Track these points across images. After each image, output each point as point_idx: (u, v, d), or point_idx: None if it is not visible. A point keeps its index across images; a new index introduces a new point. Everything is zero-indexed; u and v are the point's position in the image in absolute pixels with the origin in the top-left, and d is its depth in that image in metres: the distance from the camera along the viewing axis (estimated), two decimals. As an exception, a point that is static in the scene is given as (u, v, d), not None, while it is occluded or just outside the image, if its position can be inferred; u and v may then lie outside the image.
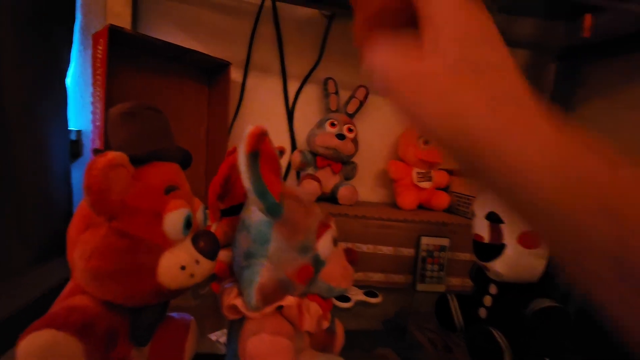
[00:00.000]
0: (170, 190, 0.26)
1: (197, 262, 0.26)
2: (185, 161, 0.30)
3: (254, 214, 0.27)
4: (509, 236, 0.38)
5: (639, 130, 0.67)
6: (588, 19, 0.68)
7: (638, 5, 0.56)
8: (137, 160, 0.25)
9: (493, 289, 0.42)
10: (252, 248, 0.27)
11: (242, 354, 0.26)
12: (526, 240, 0.37)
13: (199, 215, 0.30)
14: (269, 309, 0.27)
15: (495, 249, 0.39)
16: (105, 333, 0.23)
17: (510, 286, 0.40)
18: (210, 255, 0.27)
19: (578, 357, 0.44)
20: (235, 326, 0.29)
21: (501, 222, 0.39)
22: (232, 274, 0.32)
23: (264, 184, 0.24)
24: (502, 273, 0.39)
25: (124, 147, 0.25)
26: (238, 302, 0.27)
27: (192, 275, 0.26)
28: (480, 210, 0.42)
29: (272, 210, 0.26)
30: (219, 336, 0.40)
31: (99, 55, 0.49)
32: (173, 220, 0.25)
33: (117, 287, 0.23)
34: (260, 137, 0.24)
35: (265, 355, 0.25)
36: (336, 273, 0.30)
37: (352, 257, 0.32)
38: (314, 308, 0.29)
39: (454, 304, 0.46)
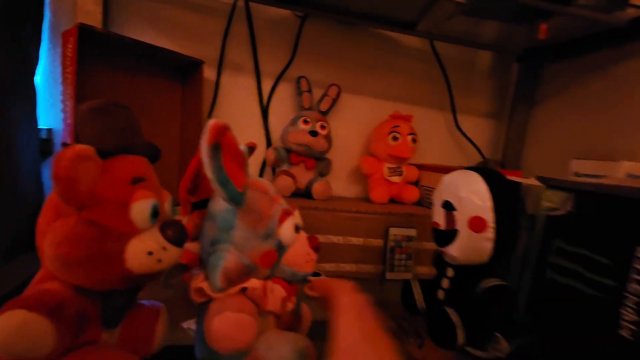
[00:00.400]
0: (137, 181, 0.27)
1: (164, 248, 0.28)
2: (153, 155, 0.31)
3: (219, 204, 0.29)
4: (461, 222, 0.41)
5: (592, 125, 0.72)
6: (543, 24, 0.73)
7: (587, 11, 0.61)
8: (105, 154, 0.27)
9: (450, 272, 0.45)
10: (217, 235, 0.29)
11: (207, 333, 0.27)
12: (474, 225, 0.40)
13: (167, 206, 0.31)
14: (233, 290, 0.28)
15: (450, 234, 0.43)
16: (75, 315, 0.24)
17: (464, 268, 0.44)
18: (177, 242, 0.29)
19: (527, 332, 0.48)
20: (203, 309, 0.31)
21: (454, 209, 0.42)
22: (201, 262, 0.34)
23: (226, 174, 0.26)
24: (456, 256, 0.42)
25: (92, 141, 0.27)
26: (204, 285, 0.29)
27: (159, 261, 0.27)
28: (437, 199, 0.45)
29: (234, 199, 0.27)
30: (190, 324, 0.41)
31: (69, 54, 0.50)
32: (139, 209, 0.27)
33: (86, 272, 0.24)
34: (221, 131, 0.25)
35: (228, 331, 0.26)
36: (299, 259, 0.32)
37: (315, 244, 0.34)
38: (277, 290, 0.31)
39: (416, 289, 0.49)
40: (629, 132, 0.65)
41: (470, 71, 0.90)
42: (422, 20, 0.68)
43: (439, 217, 0.44)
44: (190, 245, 0.46)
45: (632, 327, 0.38)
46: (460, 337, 0.39)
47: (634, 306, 0.38)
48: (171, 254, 0.28)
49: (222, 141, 0.26)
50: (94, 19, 0.58)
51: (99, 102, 0.27)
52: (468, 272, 0.43)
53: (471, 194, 0.41)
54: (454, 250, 0.42)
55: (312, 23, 0.77)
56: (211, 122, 0.25)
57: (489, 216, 0.40)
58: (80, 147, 0.23)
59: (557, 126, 0.81)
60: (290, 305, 0.33)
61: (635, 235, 0.38)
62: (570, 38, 0.71)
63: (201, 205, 0.46)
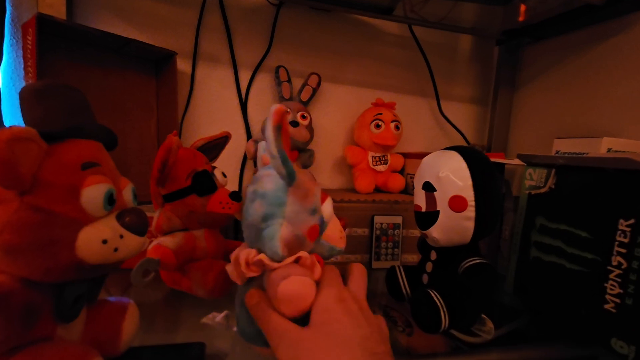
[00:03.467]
0: (88, 166, 0.26)
1: (121, 236, 0.26)
2: (108, 140, 0.29)
3: (269, 183, 0.31)
4: (441, 202, 0.40)
5: (573, 104, 0.72)
6: (520, 4, 0.72)
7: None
8: (52, 137, 0.25)
9: (433, 255, 0.44)
10: (269, 211, 0.30)
11: (274, 297, 0.29)
12: (454, 204, 0.39)
13: (127, 194, 0.29)
14: (290, 259, 0.30)
15: (431, 216, 0.41)
16: (21, 308, 0.23)
17: (447, 251, 0.42)
18: (137, 230, 0.27)
19: (518, 315, 0.47)
20: (253, 283, 0.32)
21: (434, 190, 0.41)
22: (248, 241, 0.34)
23: (286, 153, 0.28)
24: (438, 238, 0.41)
25: (37, 124, 0.25)
26: (262, 257, 0.30)
27: (115, 250, 0.26)
28: (417, 182, 0.44)
29: (292, 175, 0.29)
30: (214, 318, 0.39)
31: (29, 46, 0.48)
32: (91, 195, 0.25)
33: (31, 261, 0.23)
34: (283, 114, 0.28)
35: (298, 291, 0.29)
36: (335, 235, 0.36)
37: (343, 223, 0.38)
38: (317, 265, 0.33)
39: (401, 274, 0.48)
40: (609, 109, 0.65)
41: (452, 56, 0.89)
42: (398, 4, 0.67)
43: (420, 199, 0.43)
44: (164, 239, 0.44)
45: (617, 300, 0.37)
46: (444, 319, 0.37)
47: (618, 279, 0.37)
48: (129, 243, 0.27)
49: (282, 123, 0.28)
50: (57, 11, 0.55)
51: (43, 83, 0.25)
52: (451, 254, 0.42)
53: (450, 173, 0.40)
54: (436, 232, 0.41)
55: (288, 11, 0.75)
56: (276, 106, 0.28)
57: (469, 194, 0.39)
58: (18, 129, 0.22)
59: (540, 107, 0.81)
60: None
61: (618, 207, 0.38)
62: (547, 18, 0.71)
63: (172, 197, 0.44)
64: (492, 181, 0.40)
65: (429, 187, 0.42)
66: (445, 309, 0.38)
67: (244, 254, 0.32)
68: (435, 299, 0.38)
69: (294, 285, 0.29)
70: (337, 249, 0.36)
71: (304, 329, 0.27)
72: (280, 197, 0.30)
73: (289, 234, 0.30)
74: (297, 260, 0.31)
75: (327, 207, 0.34)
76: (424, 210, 0.42)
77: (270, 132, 0.27)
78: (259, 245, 0.31)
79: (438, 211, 0.41)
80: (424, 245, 0.47)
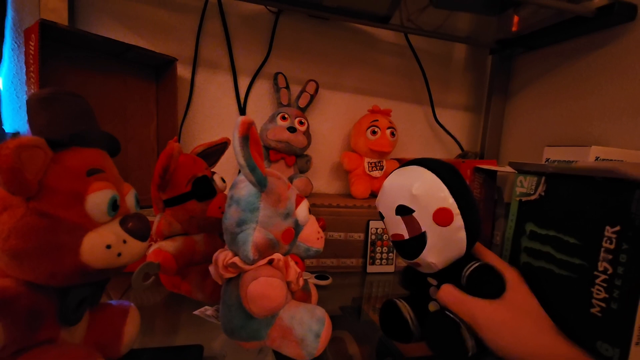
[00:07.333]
0: (93, 172, 0.26)
1: (125, 241, 0.27)
2: (111, 147, 0.30)
3: (243, 190, 0.32)
4: (425, 221, 0.35)
5: (564, 113, 0.74)
6: (514, 14, 0.74)
7: (555, 1, 0.62)
8: (58, 145, 0.26)
9: (433, 282, 0.39)
10: (243, 216, 0.32)
11: (244, 297, 0.31)
12: (440, 218, 0.34)
13: (129, 200, 0.30)
14: (262, 261, 0.32)
15: (418, 240, 0.35)
16: (26, 312, 0.23)
17: (445, 271, 0.37)
18: (139, 235, 0.28)
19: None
20: (232, 283, 0.34)
21: (412, 211, 0.35)
22: (224, 242, 0.36)
23: (254, 161, 0.30)
24: (434, 262, 0.35)
25: (43, 131, 0.26)
26: (236, 259, 0.32)
27: (119, 255, 0.26)
28: (386, 209, 0.37)
29: (261, 182, 0.31)
30: (204, 310, 0.42)
31: (31, 52, 0.48)
32: (96, 201, 0.26)
33: (37, 266, 0.23)
34: (250, 125, 0.29)
35: (264, 292, 0.31)
36: (312, 236, 0.37)
37: (322, 224, 0.40)
38: (294, 265, 0.35)
39: (405, 309, 0.39)
40: (597, 117, 0.66)
41: (447, 64, 0.91)
42: (395, 13, 0.69)
43: (397, 227, 0.36)
44: (164, 244, 0.45)
45: (603, 304, 0.38)
46: (468, 340, 0.32)
47: (604, 284, 0.38)
48: (132, 248, 0.28)
49: (249, 134, 0.29)
50: (59, 16, 0.56)
51: (49, 90, 0.26)
52: (451, 272, 0.37)
53: (426, 188, 0.35)
54: (431, 256, 0.35)
55: (287, 18, 0.76)
56: (242, 118, 0.29)
57: (451, 203, 0.34)
58: (26, 137, 0.22)
59: (531, 116, 0.82)
60: (302, 281, 0.37)
61: (604, 215, 0.39)
62: (539, 29, 0.73)
63: (173, 202, 0.45)
64: (464, 183, 0.37)
65: (404, 211, 0.35)
66: (466, 326, 0.33)
67: (222, 256, 0.33)
68: (453, 316, 0.33)
69: (261, 286, 0.31)
70: (313, 249, 0.37)
71: (501, 311, 0.33)
72: (253, 203, 0.32)
73: (261, 238, 0.32)
74: (271, 262, 0.33)
75: (302, 210, 0.35)
76: (407, 237, 0.36)
77: (237, 142, 0.29)
78: (234, 248, 0.33)
79: (424, 232, 0.35)
80: (414, 278, 0.40)
